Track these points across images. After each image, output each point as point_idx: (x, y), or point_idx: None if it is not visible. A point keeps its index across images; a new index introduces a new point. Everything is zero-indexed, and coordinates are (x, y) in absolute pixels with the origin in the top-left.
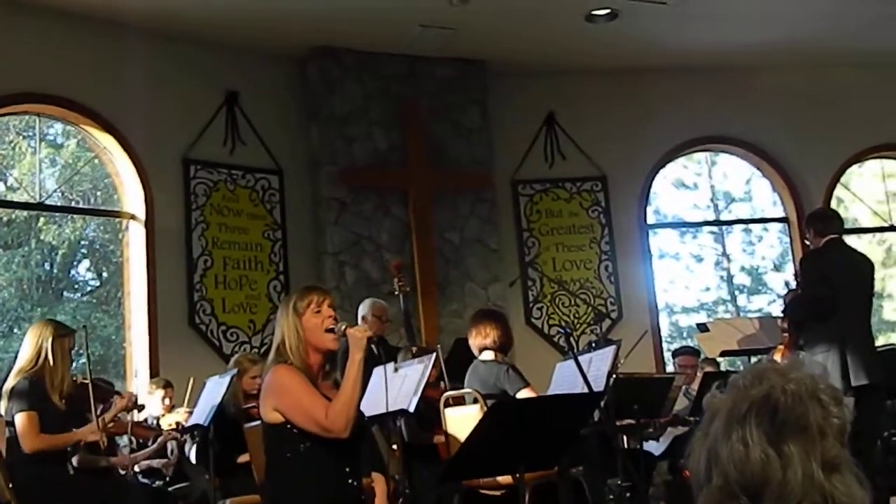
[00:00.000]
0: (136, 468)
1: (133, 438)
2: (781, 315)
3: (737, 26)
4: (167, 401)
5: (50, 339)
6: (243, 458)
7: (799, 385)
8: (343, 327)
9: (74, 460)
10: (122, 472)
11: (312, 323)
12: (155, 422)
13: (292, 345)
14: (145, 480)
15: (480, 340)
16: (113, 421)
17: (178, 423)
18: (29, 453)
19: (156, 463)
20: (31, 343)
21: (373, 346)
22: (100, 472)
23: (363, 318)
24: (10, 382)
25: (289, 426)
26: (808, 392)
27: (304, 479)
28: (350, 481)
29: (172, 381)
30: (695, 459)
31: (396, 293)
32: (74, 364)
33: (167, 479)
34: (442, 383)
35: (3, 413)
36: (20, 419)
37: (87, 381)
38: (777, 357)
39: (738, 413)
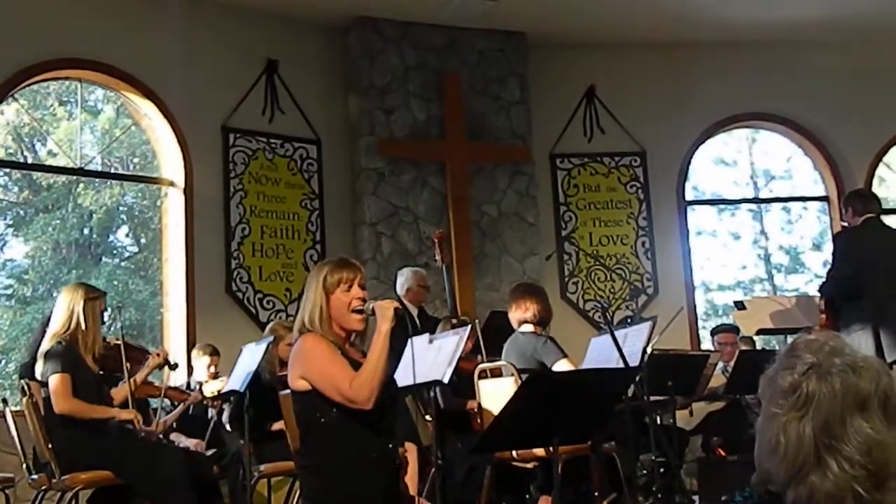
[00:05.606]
0: (168, 437)
1: (167, 401)
2: (818, 294)
3: (780, 1)
4: (212, 368)
5: (81, 303)
6: (277, 425)
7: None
8: (370, 306)
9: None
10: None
11: (340, 301)
12: (198, 387)
13: (315, 319)
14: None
15: (521, 314)
16: (146, 382)
17: (219, 392)
18: (59, 414)
19: (191, 444)
20: (63, 307)
21: (416, 317)
22: (135, 433)
23: (408, 289)
24: (46, 346)
25: (316, 392)
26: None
27: (342, 442)
28: (388, 444)
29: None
30: (790, 440)
31: (439, 265)
32: (111, 328)
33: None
34: (479, 356)
35: (39, 375)
36: (53, 380)
37: (119, 342)
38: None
39: (854, 400)
